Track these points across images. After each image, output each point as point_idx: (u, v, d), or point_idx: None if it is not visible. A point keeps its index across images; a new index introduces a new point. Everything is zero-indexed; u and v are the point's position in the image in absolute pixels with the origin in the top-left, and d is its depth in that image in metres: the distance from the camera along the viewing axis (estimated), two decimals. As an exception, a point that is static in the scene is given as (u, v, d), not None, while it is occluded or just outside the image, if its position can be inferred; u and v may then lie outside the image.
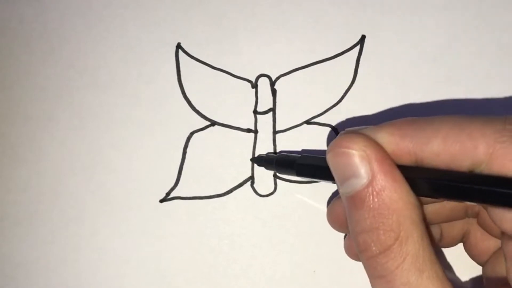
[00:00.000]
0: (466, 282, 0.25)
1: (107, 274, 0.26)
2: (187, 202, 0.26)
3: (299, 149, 0.26)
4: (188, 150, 0.26)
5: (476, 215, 0.21)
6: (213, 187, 0.26)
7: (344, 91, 0.26)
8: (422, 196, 0.18)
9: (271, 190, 0.26)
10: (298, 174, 0.23)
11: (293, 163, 0.23)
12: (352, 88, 0.26)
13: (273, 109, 0.27)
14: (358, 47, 0.26)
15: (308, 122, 0.26)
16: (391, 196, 0.17)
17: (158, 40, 0.27)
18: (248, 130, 0.26)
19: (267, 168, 0.25)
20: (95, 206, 0.26)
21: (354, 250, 0.22)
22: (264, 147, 0.26)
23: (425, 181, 0.17)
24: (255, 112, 0.27)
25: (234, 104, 0.27)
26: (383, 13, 0.27)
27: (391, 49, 0.26)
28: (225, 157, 0.26)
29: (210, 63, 0.27)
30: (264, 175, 0.26)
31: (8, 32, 0.27)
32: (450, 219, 0.22)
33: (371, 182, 0.17)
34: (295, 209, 0.26)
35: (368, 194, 0.17)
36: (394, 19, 0.27)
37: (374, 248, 0.17)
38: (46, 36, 0.27)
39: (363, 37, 0.27)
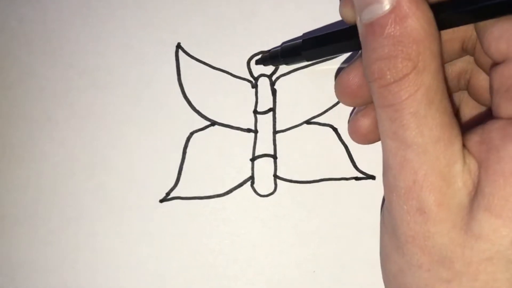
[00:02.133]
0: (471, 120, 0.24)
1: (107, 274, 0.26)
2: (187, 202, 0.26)
3: (299, 149, 0.26)
4: (188, 150, 0.26)
5: (473, 51, 0.21)
6: (213, 187, 0.26)
7: (344, 91, 0.26)
8: (444, 26, 0.18)
9: (271, 190, 0.26)
10: (307, 57, 0.23)
11: (299, 46, 0.23)
12: (352, 88, 0.26)
13: (273, 109, 0.27)
14: (358, 47, 0.27)
15: (308, 122, 0.26)
16: (414, 25, 0.17)
17: (158, 40, 0.27)
18: (248, 130, 0.26)
19: (274, 64, 0.26)
20: (95, 206, 0.26)
21: (360, 130, 0.23)
22: (264, 147, 0.26)
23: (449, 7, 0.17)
24: (255, 112, 0.27)
25: (234, 104, 0.27)
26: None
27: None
28: (225, 157, 0.26)
29: (210, 63, 0.27)
30: (264, 175, 0.26)
31: (8, 32, 0.27)
32: (448, 59, 0.21)
33: (394, 9, 0.17)
34: (295, 209, 0.26)
35: (390, 21, 0.17)
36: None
37: (389, 76, 0.17)
38: (46, 36, 0.27)
39: (363, 37, 0.27)
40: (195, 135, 0.26)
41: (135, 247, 0.26)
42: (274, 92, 0.27)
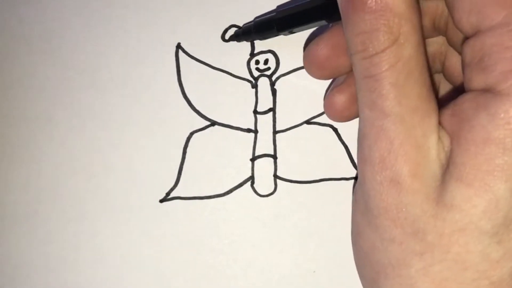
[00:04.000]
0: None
1: (107, 274, 0.26)
2: (187, 202, 0.26)
3: (299, 149, 0.26)
4: (188, 150, 0.26)
5: (445, 30, 0.21)
6: (213, 187, 0.26)
7: (344, 91, 0.26)
8: None
9: (271, 190, 0.26)
10: (279, 29, 0.24)
11: (272, 20, 0.24)
12: (352, 88, 0.26)
13: (273, 109, 0.27)
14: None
15: (308, 122, 0.26)
16: None
17: (158, 40, 0.27)
18: (248, 130, 0.26)
19: (247, 39, 0.26)
20: (95, 206, 0.26)
21: (335, 106, 0.23)
22: (264, 147, 0.26)
23: None
24: (255, 112, 0.27)
25: (234, 104, 0.27)
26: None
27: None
28: (225, 157, 0.26)
29: (210, 63, 0.27)
30: (264, 175, 0.26)
31: (8, 32, 0.27)
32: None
33: None
34: (295, 209, 0.26)
35: None
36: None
37: (371, 48, 0.17)
38: (46, 36, 0.27)
39: (363, 37, 0.27)
40: (195, 135, 0.26)
41: (135, 247, 0.26)
42: (274, 92, 0.27)
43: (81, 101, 0.27)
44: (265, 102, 0.27)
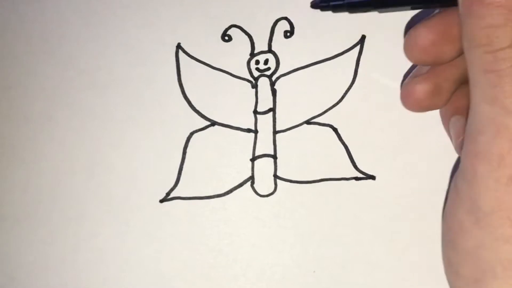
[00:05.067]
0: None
1: (107, 275, 0.26)
2: (187, 202, 0.26)
3: (299, 149, 0.26)
4: (188, 150, 0.26)
5: None
6: (213, 187, 0.26)
7: (344, 91, 0.26)
8: None
9: (271, 190, 0.26)
10: (376, 6, 0.22)
11: None
12: (352, 88, 0.26)
13: (273, 109, 0.27)
14: (358, 47, 0.27)
15: (308, 122, 0.26)
16: None
17: (158, 40, 0.27)
18: (248, 130, 0.26)
19: (334, 10, 0.23)
20: (95, 206, 0.26)
21: (416, 94, 0.22)
22: (264, 147, 0.26)
23: None
24: (255, 112, 0.27)
25: (234, 104, 0.27)
26: (384, 13, 0.27)
27: (391, 49, 0.26)
28: (225, 157, 0.26)
29: (210, 63, 0.27)
30: (264, 175, 0.26)
31: (8, 32, 0.27)
32: None
33: None
34: (295, 209, 0.26)
35: None
36: (394, 19, 0.27)
37: (496, 43, 0.17)
38: (46, 36, 0.27)
39: (363, 37, 0.27)
40: (195, 135, 0.26)
41: (135, 247, 0.26)
42: (274, 92, 0.27)
43: (81, 101, 0.27)
44: (265, 102, 0.27)
